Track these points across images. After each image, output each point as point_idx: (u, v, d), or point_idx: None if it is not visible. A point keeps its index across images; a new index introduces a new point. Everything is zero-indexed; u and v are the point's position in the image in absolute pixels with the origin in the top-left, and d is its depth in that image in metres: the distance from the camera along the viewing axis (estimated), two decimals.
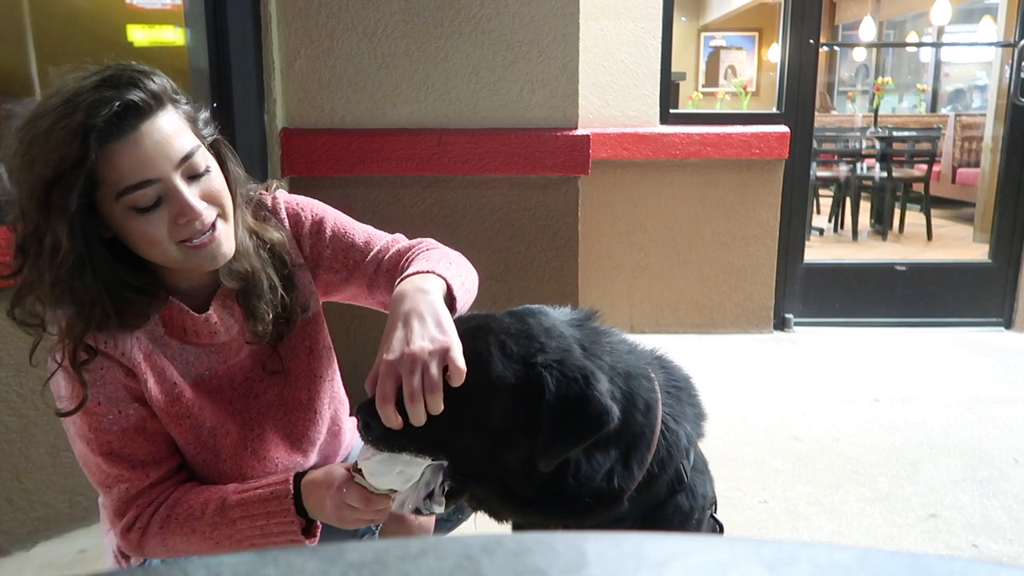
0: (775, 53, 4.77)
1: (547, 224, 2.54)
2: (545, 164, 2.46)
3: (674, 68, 3.92)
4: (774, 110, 3.89)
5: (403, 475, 1.02)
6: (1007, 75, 4.02)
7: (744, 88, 8.37)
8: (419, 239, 1.33)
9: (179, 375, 1.17)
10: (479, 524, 1.49)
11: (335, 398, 1.38)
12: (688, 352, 3.62)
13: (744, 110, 7.50)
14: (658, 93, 3.72)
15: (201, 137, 1.11)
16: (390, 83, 2.46)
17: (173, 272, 1.14)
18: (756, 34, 11.68)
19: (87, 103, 0.98)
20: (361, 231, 1.33)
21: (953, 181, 7.63)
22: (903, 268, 4.08)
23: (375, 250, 1.29)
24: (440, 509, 1.03)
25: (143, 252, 1.07)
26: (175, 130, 1.05)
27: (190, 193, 1.05)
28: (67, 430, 1.15)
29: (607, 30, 3.66)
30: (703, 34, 11.93)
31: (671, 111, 3.83)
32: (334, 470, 1.12)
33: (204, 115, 1.14)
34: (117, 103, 0.99)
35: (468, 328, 1.06)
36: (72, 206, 0.98)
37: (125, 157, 1.00)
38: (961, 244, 6.34)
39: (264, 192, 1.29)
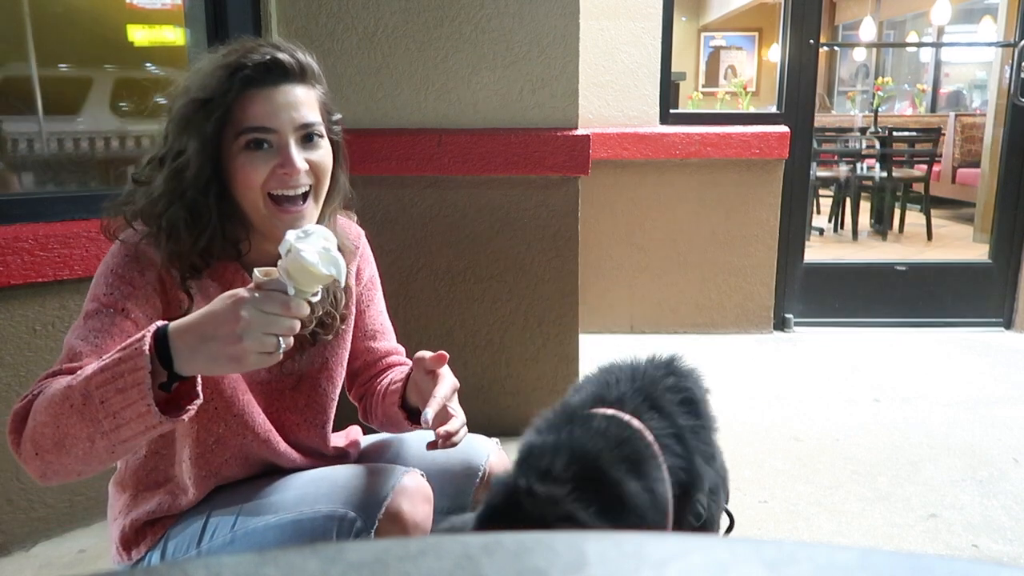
0: (775, 53, 4.77)
1: (547, 224, 2.54)
2: (545, 164, 2.46)
3: (674, 68, 3.92)
4: (774, 110, 3.90)
5: (326, 257, 0.96)
6: (1007, 75, 4.02)
7: (744, 88, 8.37)
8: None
9: None
10: None
11: (327, 419, 1.38)
12: (688, 352, 3.60)
13: (744, 110, 7.50)
14: (658, 93, 3.72)
15: (328, 127, 1.23)
16: (390, 83, 2.45)
17: (250, 241, 1.23)
18: (756, 34, 11.69)
19: (245, 48, 1.16)
20: (386, 323, 1.48)
21: (953, 181, 7.62)
22: (903, 268, 4.08)
23: (375, 344, 1.44)
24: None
25: (239, 194, 1.17)
26: (307, 101, 1.18)
27: (297, 152, 1.16)
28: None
29: (607, 30, 3.66)
30: (703, 34, 11.93)
31: (671, 111, 3.83)
32: (229, 292, 0.97)
33: (337, 116, 1.26)
34: (269, 56, 1.15)
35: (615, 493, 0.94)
36: (208, 130, 1.12)
37: (258, 105, 1.14)
38: (961, 244, 6.34)
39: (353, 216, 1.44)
